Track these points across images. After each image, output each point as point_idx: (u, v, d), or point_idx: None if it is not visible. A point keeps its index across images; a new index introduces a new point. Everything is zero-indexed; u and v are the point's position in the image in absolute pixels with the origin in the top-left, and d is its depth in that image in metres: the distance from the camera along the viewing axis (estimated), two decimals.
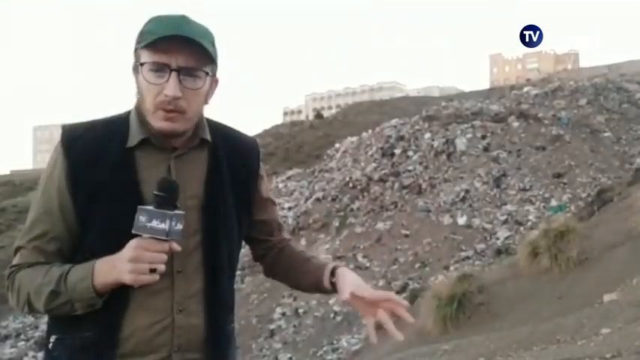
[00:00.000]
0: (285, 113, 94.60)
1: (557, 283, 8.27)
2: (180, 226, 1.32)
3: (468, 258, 17.79)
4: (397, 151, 25.69)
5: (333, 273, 1.55)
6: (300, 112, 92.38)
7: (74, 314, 1.38)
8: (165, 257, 1.32)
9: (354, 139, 30.35)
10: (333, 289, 1.55)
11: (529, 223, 18.58)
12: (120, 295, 1.37)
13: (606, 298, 6.85)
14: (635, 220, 8.46)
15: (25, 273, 1.41)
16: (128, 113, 1.49)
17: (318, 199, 25.02)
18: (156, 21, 1.39)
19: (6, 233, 33.13)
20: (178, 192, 1.35)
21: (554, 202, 20.15)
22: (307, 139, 46.68)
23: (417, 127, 27.33)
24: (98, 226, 1.40)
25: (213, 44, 1.43)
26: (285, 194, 27.97)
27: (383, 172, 24.59)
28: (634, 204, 9.15)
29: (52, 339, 1.44)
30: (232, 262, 1.56)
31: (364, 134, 30.15)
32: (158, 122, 1.40)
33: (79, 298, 1.35)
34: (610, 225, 9.54)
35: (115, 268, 1.32)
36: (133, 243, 1.31)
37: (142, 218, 1.29)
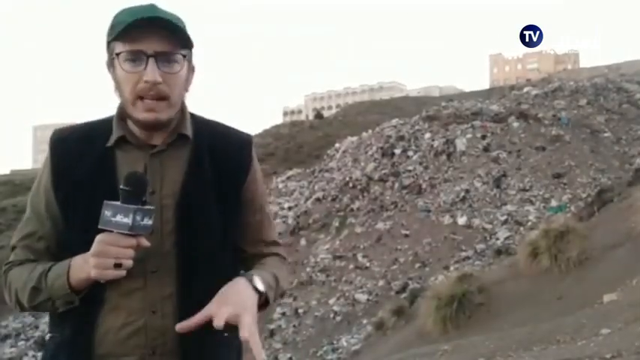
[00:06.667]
0: (285, 113, 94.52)
1: (557, 284, 8.27)
2: (148, 222, 1.29)
3: (468, 258, 17.81)
4: (397, 151, 25.71)
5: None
6: (300, 112, 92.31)
7: (59, 312, 1.39)
8: (131, 252, 1.30)
9: (354, 139, 30.39)
10: None
11: (529, 224, 18.60)
12: (95, 295, 1.37)
13: (606, 298, 6.84)
14: (635, 220, 8.45)
15: (15, 271, 1.44)
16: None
17: (318, 199, 25.03)
18: (125, 12, 1.37)
19: (6, 233, 33.13)
20: (146, 186, 1.32)
21: (554, 203, 20.16)
22: (307, 139, 46.70)
23: (417, 127, 27.36)
24: (78, 224, 1.40)
25: (185, 29, 1.40)
26: (285, 194, 27.99)
27: (383, 172, 24.60)
28: (634, 204, 9.15)
29: (48, 336, 1.47)
30: (216, 265, 1.46)
31: (364, 134, 30.20)
32: (141, 113, 1.38)
33: (57, 294, 1.36)
34: (610, 225, 9.54)
35: (86, 263, 1.32)
36: (98, 238, 1.30)
37: (107, 213, 1.28)
